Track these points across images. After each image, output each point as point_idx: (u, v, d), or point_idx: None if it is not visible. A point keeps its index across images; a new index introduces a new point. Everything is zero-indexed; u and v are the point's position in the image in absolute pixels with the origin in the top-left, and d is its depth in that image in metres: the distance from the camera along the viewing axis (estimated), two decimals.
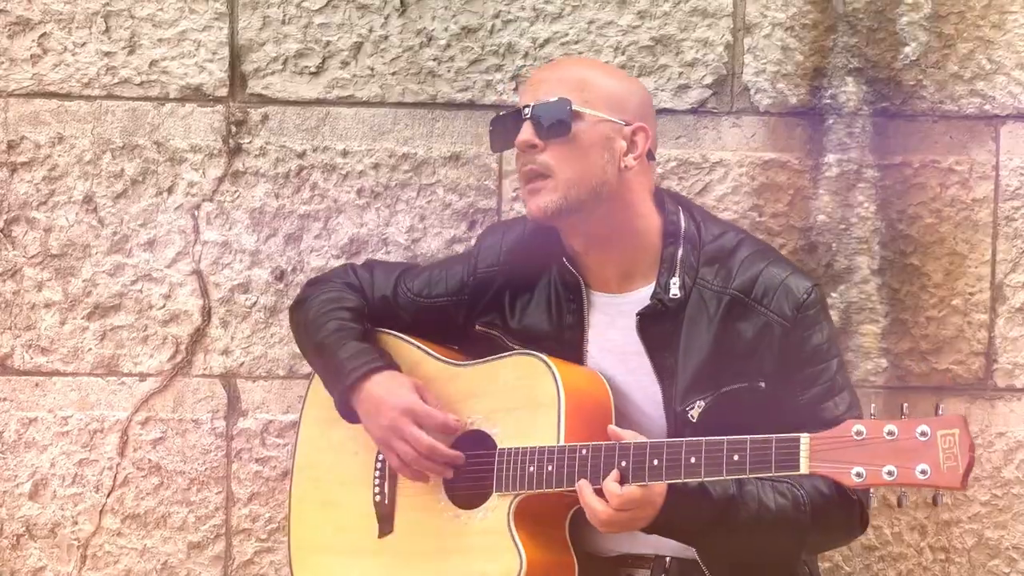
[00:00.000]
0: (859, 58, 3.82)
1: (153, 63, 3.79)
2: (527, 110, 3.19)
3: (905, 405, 3.01)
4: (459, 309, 3.42)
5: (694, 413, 3.18)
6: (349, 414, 3.34)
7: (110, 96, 3.80)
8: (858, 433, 2.86)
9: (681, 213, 3.28)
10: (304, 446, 3.56)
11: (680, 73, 3.79)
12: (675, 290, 3.20)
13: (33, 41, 3.79)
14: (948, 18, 3.80)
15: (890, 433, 2.84)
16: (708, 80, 3.79)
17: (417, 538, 3.34)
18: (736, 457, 2.93)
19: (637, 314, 3.21)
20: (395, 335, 3.47)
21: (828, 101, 3.82)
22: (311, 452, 3.54)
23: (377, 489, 3.38)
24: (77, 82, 3.79)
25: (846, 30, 3.81)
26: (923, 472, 2.81)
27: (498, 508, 3.20)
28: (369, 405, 3.29)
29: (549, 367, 3.20)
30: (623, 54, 3.78)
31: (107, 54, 3.79)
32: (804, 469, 2.88)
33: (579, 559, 3.22)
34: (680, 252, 3.23)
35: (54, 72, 3.79)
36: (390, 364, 3.35)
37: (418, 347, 3.43)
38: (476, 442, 3.28)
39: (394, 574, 3.34)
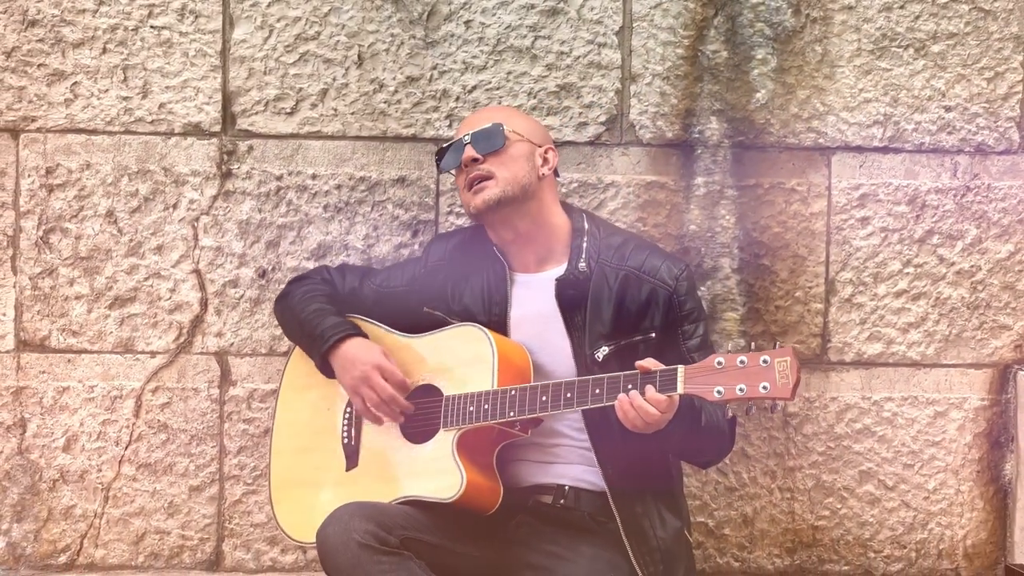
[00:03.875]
0: (721, 102, 4.02)
1: (162, 105, 3.97)
2: (467, 137, 3.57)
3: (753, 343, 3.38)
4: (411, 295, 3.68)
5: (599, 355, 3.52)
6: (327, 370, 3.60)
7: (127, 132, 3.97)
8: (719, 363, 3.27)
9: (584, 218, 3.66)
10: (283, 407, 3.74)
11: (580, 113, 4.03)
12: (583, 266, 3.56)
13: (67, 88, 3.95)
14: (790, 71, 4.04)
15: (741, 362, 3.25)
16: (602, 119, 4.02)
17: (378, 468, 3.56)
18: (630, 386, 3.34)
19: (556, 279, 3.55)
20: (362, 318, 3.69)
21: (697, 135, 4.03)
22: (289, 411, 3.72)
23: (345, 433, 3.63)
24: (101, 120, 3.96)
25: (710, 80, 4.02)
26: (764, 387, 3.21)
27: (444, 440, 3.47)
28: (345, 361, 3.57)
29: (485, 334, 3.51)
30: (535, 98, 4.02)
31: (125, 98, 3.97)
32: (680, 389, 3.29)
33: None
34: (585, 243, 3.60)
35: (83, 113, 3.96)
36: (361, 333, 3.62)
37: (379, 325, 3.66)
38: (426, 393, 3.56)
39: (359, 496, 3.49)
